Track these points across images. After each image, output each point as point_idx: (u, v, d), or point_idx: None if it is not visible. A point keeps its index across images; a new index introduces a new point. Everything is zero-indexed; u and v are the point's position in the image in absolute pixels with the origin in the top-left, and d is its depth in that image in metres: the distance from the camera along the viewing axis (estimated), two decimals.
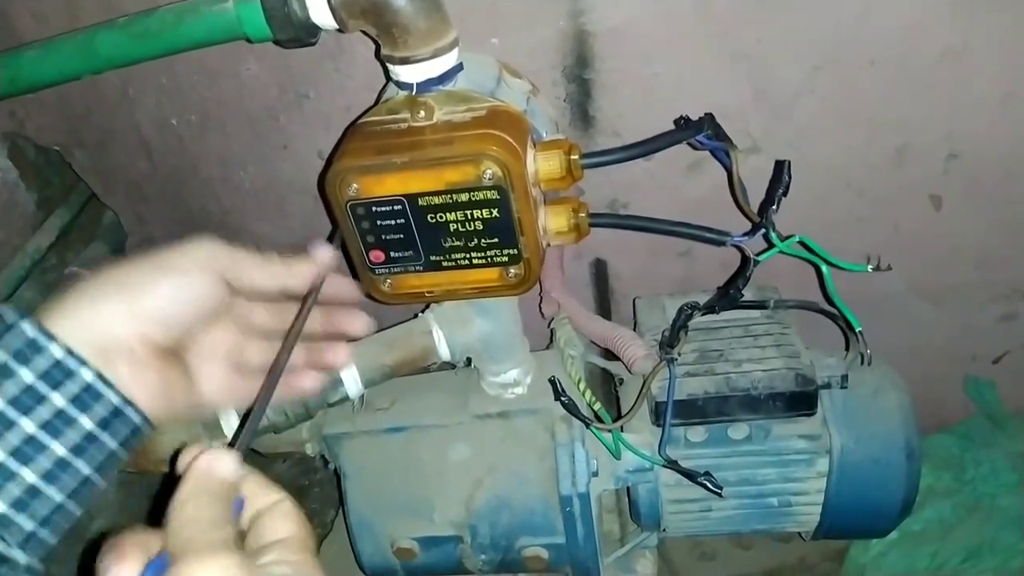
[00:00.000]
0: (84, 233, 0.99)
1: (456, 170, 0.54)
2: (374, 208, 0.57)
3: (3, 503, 0.35)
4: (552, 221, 0.63)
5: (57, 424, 0.37)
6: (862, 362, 0.68)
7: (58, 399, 0.37)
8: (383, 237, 0.59)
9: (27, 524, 0.36)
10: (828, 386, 0.72)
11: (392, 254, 0.60)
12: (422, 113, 0.57)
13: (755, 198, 0.64)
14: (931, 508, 0.90)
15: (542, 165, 0.60)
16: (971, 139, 0.72)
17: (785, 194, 0.61)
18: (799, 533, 0.83)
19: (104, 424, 0.38)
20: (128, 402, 0.39)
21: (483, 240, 0.58)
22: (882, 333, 0.70)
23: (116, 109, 0.82)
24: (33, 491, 0.36)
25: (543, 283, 0.79)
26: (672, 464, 0.69)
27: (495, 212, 0.56)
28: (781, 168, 0.61)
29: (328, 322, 0.51)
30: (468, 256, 0.59)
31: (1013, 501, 0.89)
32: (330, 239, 0.57)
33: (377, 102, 0.62)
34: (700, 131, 0.63)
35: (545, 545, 0.76)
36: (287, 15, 0.57)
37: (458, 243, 0.59)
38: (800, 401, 0.70)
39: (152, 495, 1.12)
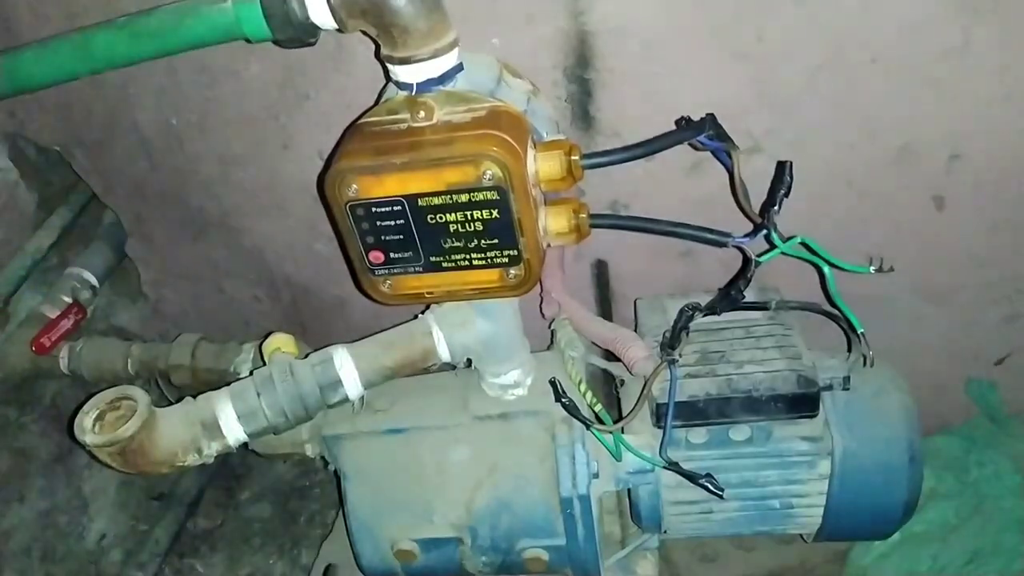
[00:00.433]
0: (84, 233, 1.00)
1: (456, 170, 0.54)
2: (374, 209, 0.57)
3: None
4: (552, 222, 0.62)
5: None
6: (864, 363, 0.68)
7: None
8: (383, 238, 0.59)
9: None
10: (830, 388, 0.72)
11: (392, 255, 0.60)
12: (422, 113, 0.56)
13: (757, 199, 0.64)
14: (933, 510, 0.90)
15: (542, 166, 0.60)
16: (973, 139, 0.72)
17: (787, 195, 0.61)
18: (801, 535, 0.83)
19: None
20: None
21: (483, 241, 0.58)
22: (884, 334, 0.70)
23: (116, 109, 0.82)
24: None
25: (544, 284, 0.79)
26: (673, 466, 0.69)
27: (495, 213, 0.56)
28: (783, 169, 0.61)
29: None
30: (468, 257, 0.59)
31: (1016, 503, 0.89)
32: None
33: (377, 102, 0.62)
34: (701, 131, 0.62)
35: (546, 547, 0.76)
36: (286, 15, 0.57)
37: (458, 244, 0.58)
38: (802, 403, 0.70)
39: (152, 495, 1.12)
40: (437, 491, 0.76)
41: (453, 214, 0.56)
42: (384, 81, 0.62)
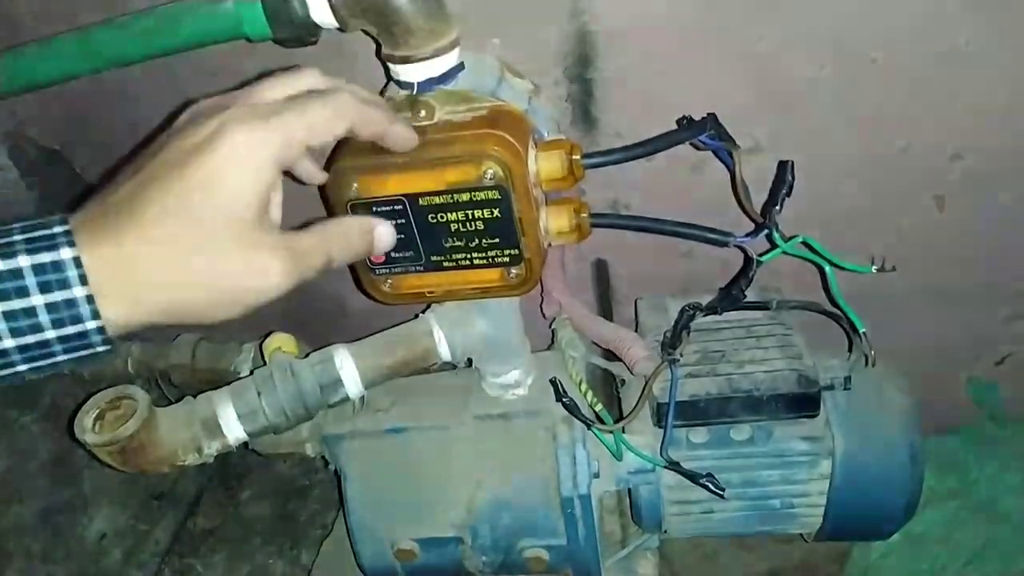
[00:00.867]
0: None
1: (457, 170, 0.54)
2: (374, 208, 0.56)
3: None
4: (553, 221, 0.62)
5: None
6: (865, 363, 0.68)
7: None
8: None
9: None
10: (831, 387, 0.72)
11: (392, 254, 0.60)
12: (423, 112, 0.56)
13: (758, 198, 0.64)
14: (934, 510, 0.90)
15: (543, 165, 0.60)
16: (975, 139, 0.72)
17: (788, 194, 0.61)
18: (801, 535, 0.83)
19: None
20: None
21: (484, 240, 0.58)
22: (885, 334, 0.69)
23: (116, 109, 0.82)
24: None
25: (544, 283, 0.79)
26: (674, 465, 0.69)
27: (496, 212, 0.56)
28: (784, 168, 0.61)
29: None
30: (469, 256, 0.59)
31: (1017, 503, 0.89)
32: None
33: None
34: (703, 131, 0.62)
35: (546, 546, 0.76)
36: (287, 14, 0.56)
37: (459, 243, 0.58)
38: (803, 403, 0.70)
39: (152, 495, 1.12)
40: (438, 491, 0.76)
41: (454, 213, 0.56)
42: (385, 80, 0.62)
